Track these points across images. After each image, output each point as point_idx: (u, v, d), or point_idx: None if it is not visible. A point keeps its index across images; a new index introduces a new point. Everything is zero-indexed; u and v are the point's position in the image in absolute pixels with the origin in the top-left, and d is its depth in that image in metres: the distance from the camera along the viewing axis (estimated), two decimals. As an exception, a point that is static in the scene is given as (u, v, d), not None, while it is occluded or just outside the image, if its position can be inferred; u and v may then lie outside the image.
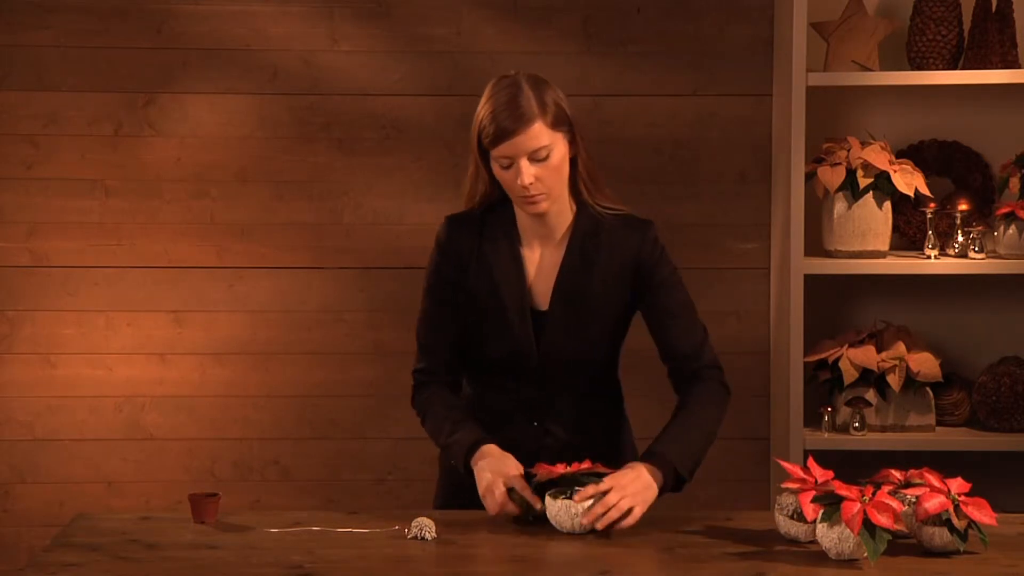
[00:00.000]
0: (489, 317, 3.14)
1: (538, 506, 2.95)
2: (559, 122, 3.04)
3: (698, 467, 3.06)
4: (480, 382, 3.24)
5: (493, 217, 3.15)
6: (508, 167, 3.04)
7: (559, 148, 3.04)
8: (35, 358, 4.53)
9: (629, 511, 2.90)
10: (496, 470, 3.00)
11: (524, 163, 3.02)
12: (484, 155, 3.08)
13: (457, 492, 3.18)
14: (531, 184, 3.02)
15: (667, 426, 3.09)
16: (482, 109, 3.05)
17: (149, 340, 4.53)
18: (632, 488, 2.93)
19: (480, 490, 3.01)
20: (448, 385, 3.22)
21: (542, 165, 3.03)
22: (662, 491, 2.98)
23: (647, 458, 3.00)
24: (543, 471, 2.96)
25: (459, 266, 3.15)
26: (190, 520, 3.00)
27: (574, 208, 3.15)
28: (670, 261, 3.17)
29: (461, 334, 3.19)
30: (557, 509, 2.92)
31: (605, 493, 2.90)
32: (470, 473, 3.05)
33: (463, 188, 3.19)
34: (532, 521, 2.97)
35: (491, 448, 3.05)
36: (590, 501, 2.90)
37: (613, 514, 2.89)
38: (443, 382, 3.22)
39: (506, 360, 3.16)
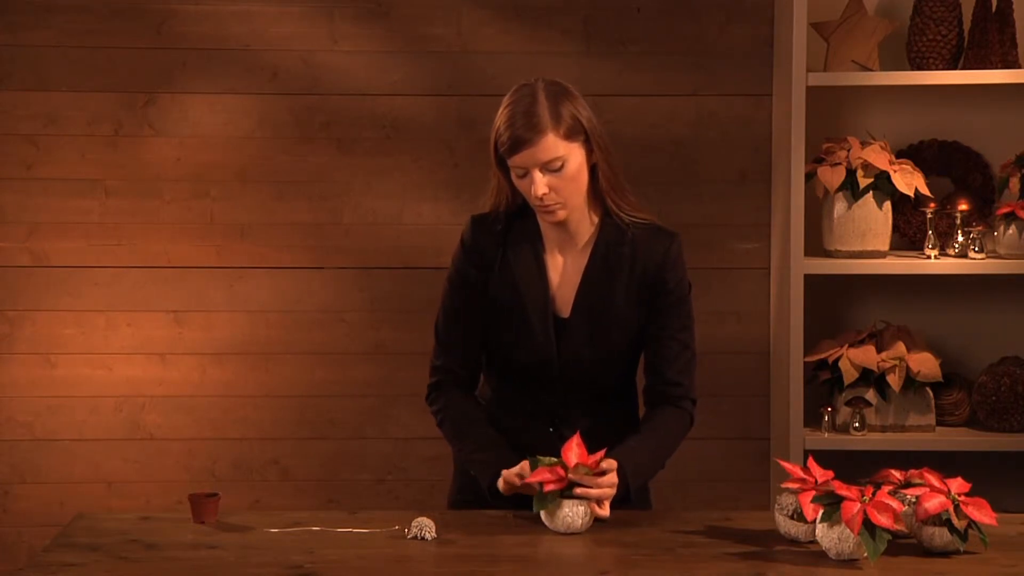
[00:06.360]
0: (511, 322, 3.15)
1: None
2: (574, 133, 3.03)
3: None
4: (499, 385, 3.25)
5: (518, 223, 3.16)
6: (523, 176, 3.05)
7: (575, 158, 3.04)
8: (35, 358, 4.53)
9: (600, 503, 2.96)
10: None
11: (537, 174, 3.02)
12: (502, 162, 3.08)
13: (472, 490, 3.20)
14: (545, 195, 3.03)
15: (640, 440, 3.11)
16: (499, 117, 3.05)
17: (149, 340, 4.53)
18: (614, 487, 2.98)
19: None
20: (465, 382, 3.23)
21: (556, 176, 3.03)
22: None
23: (619, 466, 3.01)
24: (545, 477, 2.96)
25: (482, 266, 3.16)
26: (190, 520, 3.00)
27: (598, 215, 3.15)
28: (685, 277, 3.17)
29: (480, 334, 3.20)
30: (557, 509, 2.92)
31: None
32: (495, 495, 3.07)
33: (486, 197, 3.18)
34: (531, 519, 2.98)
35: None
36: (585, 507, 2.92)
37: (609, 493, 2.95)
38: (460, 379, 3.23)
39: (526, 365, 3.17)
